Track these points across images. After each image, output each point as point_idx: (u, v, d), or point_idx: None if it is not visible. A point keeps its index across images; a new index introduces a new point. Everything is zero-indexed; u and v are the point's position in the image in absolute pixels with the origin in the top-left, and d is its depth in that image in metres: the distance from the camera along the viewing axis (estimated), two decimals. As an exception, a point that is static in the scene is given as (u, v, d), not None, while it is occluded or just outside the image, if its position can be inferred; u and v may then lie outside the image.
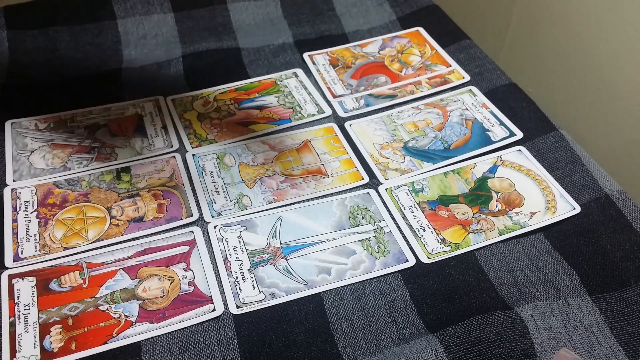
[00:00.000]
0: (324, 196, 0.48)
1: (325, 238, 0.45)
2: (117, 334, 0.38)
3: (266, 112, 0.56)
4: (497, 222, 0.46)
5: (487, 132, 0.54)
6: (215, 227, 0.45)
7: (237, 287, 0.41)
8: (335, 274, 0.43)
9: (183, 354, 0.38)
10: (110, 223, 0.45)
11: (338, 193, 0.49)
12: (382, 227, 0.46)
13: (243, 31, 0.65)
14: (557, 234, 0.46)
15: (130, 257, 0.43)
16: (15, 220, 0.45)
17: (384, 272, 0.43)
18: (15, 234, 0.44)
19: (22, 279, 0.41)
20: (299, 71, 0.61)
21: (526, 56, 0.79)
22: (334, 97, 0.58)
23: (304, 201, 0.48)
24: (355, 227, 0.46)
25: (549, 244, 0.45)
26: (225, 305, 0.40)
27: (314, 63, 0.62)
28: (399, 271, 0.43)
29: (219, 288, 0.41)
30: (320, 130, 0.54)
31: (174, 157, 0.51)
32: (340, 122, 0.55)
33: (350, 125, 0.55)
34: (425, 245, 0.45)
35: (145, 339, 0.38)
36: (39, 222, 0.45)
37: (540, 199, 0.48)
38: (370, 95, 0.58)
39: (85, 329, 0.39)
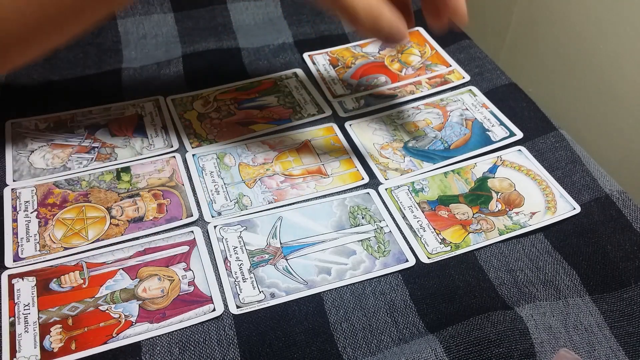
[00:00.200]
0: (324, 196, 0.48)
1: (325, 238, 0.45)
2: (117, 334, 0.38)
3: (266, 112, 0.56)
4: (497, 222, 0.46)
5: (487, 132, 0.54)
6: (215, 227, 0.45)
7: (237, 287, 0.41)
8: (335, 274, 0.43)
9: (183, 354, 0.38)
10: (110, 223, 0.45)
11: (338, 193, 0.49)
12: (382, 227, 0.46)
13: (243, 31, 0.65)
14: (557, 234, 0.46)
15: (130, 257, 0.43)
16: (15, 220, 0.45)
17: (384, 272, 0.43)
18: (15, 234, 0.44)
19: (22, 279, 0.41)
20: (299, 71, 0.61)
21: (526, 56, 0.79)
22: (334, 97, 0.58)
23: (304, 201, 0.48)
24: (355, 227, 0.46)
25: (549, 244, 0.45)
26: (225, 305, 0.40)
27: (314, 63, 0.62)
28: (399, 271, 0.43)
29: (219, 288, 0.41)
30: (320, 130, 0.54)
31: (174, 157, 0.51)
32: (340, 122, 0.55)
33: (350, 125, 0.55)
34: (425, 245, 0.45)
35: (145, 339, 0.38)
36: (39, 222, 0.45)
37: (540, 199, 0.48)
38: (370, 95, 0.58)
39: (85, 329, 0.39)
